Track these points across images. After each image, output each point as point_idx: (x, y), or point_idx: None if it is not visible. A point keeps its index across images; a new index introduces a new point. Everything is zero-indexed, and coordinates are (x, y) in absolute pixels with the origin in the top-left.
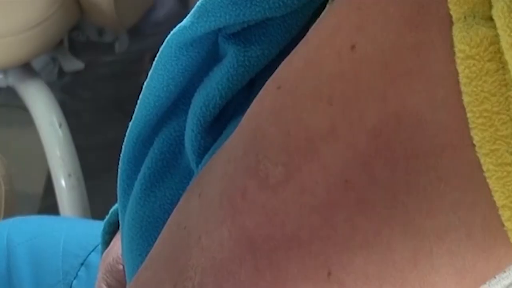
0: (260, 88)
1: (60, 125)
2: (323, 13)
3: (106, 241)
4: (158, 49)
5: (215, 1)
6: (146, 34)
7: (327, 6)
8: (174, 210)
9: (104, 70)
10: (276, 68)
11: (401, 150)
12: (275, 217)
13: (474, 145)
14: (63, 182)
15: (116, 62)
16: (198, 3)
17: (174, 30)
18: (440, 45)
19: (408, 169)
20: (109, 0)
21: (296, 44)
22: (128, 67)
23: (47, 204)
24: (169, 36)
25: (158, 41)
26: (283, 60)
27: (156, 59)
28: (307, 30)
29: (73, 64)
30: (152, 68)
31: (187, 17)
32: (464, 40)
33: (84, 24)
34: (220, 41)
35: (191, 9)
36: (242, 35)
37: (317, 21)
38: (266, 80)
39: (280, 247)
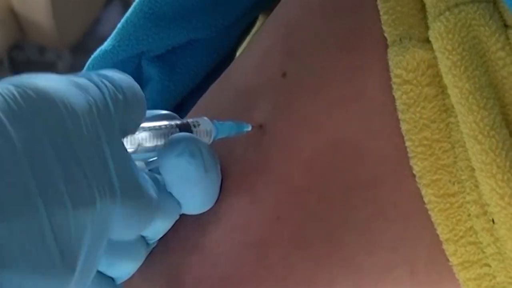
0: (187, 113)
1: None
2: (251, 35)
3: None
4: None
5: (136, 23)
6: (91, 50)
7: (256, 26)
8: None
9: None
10: (205, 91)
11: (337, 182)
12: (207, 257)
13: (414, 176)
14: None
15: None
16: (118, 25)
17: (94, 54)
18: (376, 70)
19: (345, 203)
20: (48, 17)
21: (226, 64)
22: None
23: None
24: (89, 60)
25: None
26: (212, 82)
27: None
28: (236, 51)
29: None
30: None
31: (108, 40)
32: (400, 64)
33: (24, 43)
34: (144, 64)
35: None
36: (166, 57)
37: (246, 45)
38: (194, 105)
39: None
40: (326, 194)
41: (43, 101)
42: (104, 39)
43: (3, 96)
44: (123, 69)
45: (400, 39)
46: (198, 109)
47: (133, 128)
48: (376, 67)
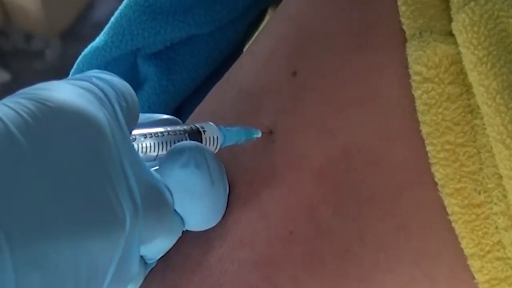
0: (188, 117)
1: None
2: (259, 30)
3: None
4: None
5: (131, 17)
6: (83, 38)
7: (265, 20)
8: None
9: (35, 80)
10: (207, 92)
11: (352, 193)
12: (211, 276)
13: (436, 184)
14: None
15: (48, 71)
16: (112, 19)
17: (85, 51)
18: (393, 67)
19: (362, 215)
20: (35, 1)
21: (231, 62)
22: (61, 76)
23: None
24: (79, 58)
25: None
26: (215, 83)
27: None
28: (242, 48)
29: None
30: None
31: (100, 35)
32: (420, 60)
33: (9, 30)
34: (140, 62)
35: None
36: (164, 55)
37: (253, 40)
38: (195, 108)
39: None
40: (341, 206)
41: (67, 115)
42: (98, 25)
43: (17, 113)
44: (117, 68)
45: (420, 33)
46: (200, 113)
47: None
48: (393, 64)
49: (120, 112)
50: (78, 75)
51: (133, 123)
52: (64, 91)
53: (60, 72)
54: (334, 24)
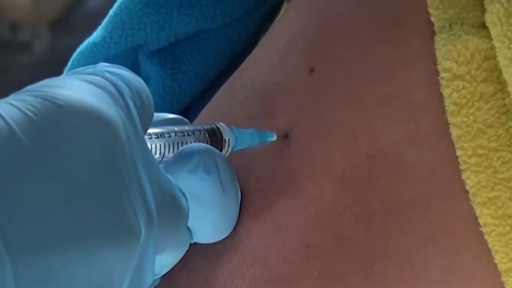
0: (194, 120)
1: None
2: (274, 23)
3: None
4: None
5: (132, 10)
6: (75, 28)
7: (281, 12)
8: None
9: (21, 75)
10: (214, 93)
11: (377, 203)
12: None
13: (467, 192)
14: None
15: (36, 65)
16: (110, 12)
17: (81, 47)
18: (420, 64)
19: (387, 227)
20: None
21: (243, 60)
22: (51, 70)
23: None
24: (74, 55)
25: None
26: (224, 84)
27: None
28: (256, 44)
29: None
30: None
31: (97, 30)
32: (450, 56)
33: None
34: (141, 60)
35: None
36: (169, 52)
37: (267, 34)
38: (201, 110)
39: None
40: (364, 217)
41: (77, 114)
42: (93, 15)
43: (22, 111)
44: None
45: (450, 25)
46: (207, 113)
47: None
48: (421, 60)
49: (135, 111)
50: (89, 69)
51: (148, 123)
52: (74, 88)
53: (50, 66)
54: (356, 16)
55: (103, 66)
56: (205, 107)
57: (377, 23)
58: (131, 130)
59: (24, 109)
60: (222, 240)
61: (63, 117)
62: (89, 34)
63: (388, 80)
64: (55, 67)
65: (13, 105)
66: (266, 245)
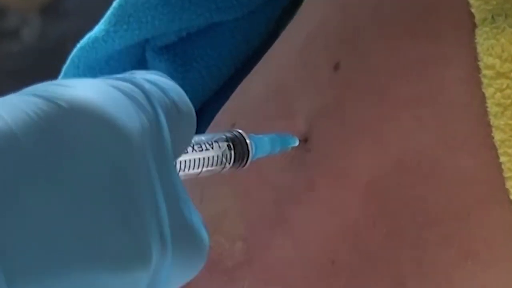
0: (208, 125)
1: None
2: (295, 15)
3: None
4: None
5: (138, 1)
6: (67, 14)
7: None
8: None
9: (9, 65)
10: (232, 93)
11: (409, 214)
12: None
13: (511, 203)
14: None
15: (25, 53)
16: (114, 4)
17: (82, 42)
18: (459, 60)
19: (420, 241)
20: None
21: (260, 59)
22: (41, 60)
23: None
24: (74, 51)
25: (85, 25)
26: (240, 82)
27: None
28: (274, 38)
29: None
30: None
31: (100, 23)
32: (492, 51)
33: None
34: (149, 57)
35: None
36: (179, 47)
37: (287, 27)
38: (216, 112)
39: None
40: (394, 230)
41: (86, 119)
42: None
43: (25, 111)
44: (121, 63)
45: (493, 17)
46: (223, 118)
47: (180, 154)
48: (459, 55)
49: (166, 125)
50: (119, 74)
51: (188, 136)
52: (87, 90)
53: (40, 55)
54: (385, 6)
55: (140, 73)
56: (220, 110)
57: (409, 15)
58: (155, 144)
59: (27, 109)
60: (233, 255)
61: (69, 120)
62: (81, 20)
63: (422, 78)
64: (45, 56)
65: (15, 104)
66: (284, 261)
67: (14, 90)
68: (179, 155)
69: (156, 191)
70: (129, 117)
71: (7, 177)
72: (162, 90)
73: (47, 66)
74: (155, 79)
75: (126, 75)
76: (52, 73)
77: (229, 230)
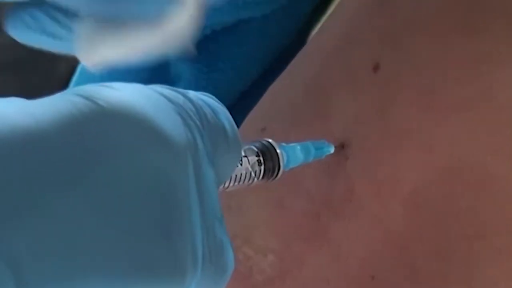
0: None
1: None
2: (329, 12)
3: None
4: None
5: None
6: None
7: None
8: None
9: (0, 57)
10: (260, 95)
11: (457, 227)
12: None
13: None
14: None
15: (16, 46)
16: None
17: None
18: (510, 59)
19: (470, 257)
20: None
21: (290, 58)
22: (33, 52)
23: None
24: None
25: None
26: (270, 84)
27: (71, 85)
28: (307, 36)
29: None
30: None
31: None
32: None
33: None
34: (171, 57)
35: None
36: (203, 46)
37: (321, 25)
38: (244, 117)
39: None
40: (441, 244)
41: (131, 124)
42: None
43: (60, 112)
44: (140, 65)
45: None
46: (252, 122)
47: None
48: (511, 54)
49: (210, 144)
50: (172, 87)
51: (233, 165)
52: (134, 94)
53: (31, 47)
54: (431, 1)
55: (193, 92)
56: (249, 114)
57: (458, 11)
58: (197, 158)
59: (64, 110)
60: (263, 269)
61: (107, 122)
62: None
63: (471, 80)
64: (34, 49)
65: (54, 105)
66: (319, 277)
67: (3, 82)
68: (222, 181)
69: (192, 205)
70: (175, 126)
71: (31, 175)
72: (213, 111)
73: (39, 59)
74: (207, 100)
75: (179, 89)
76: (43, 66)
77: (259, 243)
